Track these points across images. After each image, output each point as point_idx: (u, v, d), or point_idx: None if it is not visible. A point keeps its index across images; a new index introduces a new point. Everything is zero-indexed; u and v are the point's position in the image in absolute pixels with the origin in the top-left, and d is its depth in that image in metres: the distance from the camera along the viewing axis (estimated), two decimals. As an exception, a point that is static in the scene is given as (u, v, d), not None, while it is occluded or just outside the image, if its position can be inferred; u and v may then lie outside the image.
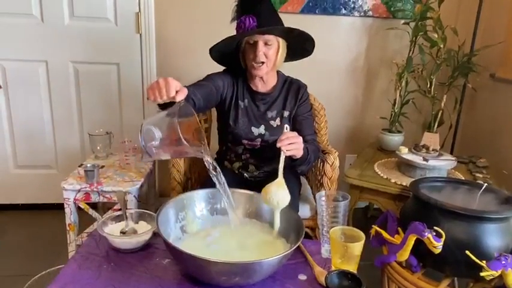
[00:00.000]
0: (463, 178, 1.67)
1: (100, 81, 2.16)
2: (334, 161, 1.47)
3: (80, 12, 2.03)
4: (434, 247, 0.99)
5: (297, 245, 0.91)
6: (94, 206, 1.69)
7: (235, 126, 1.44)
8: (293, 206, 1.18)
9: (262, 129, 1.44)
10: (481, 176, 1.73)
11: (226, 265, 0.83)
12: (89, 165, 1.61)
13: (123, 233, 1.08)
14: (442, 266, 1.10)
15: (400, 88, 2.05)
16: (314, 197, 1.59)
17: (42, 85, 2.13)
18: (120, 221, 1.11)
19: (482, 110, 2.20)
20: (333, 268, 0.96)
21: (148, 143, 0.98)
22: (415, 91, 2.07)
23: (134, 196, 1.58)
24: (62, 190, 1.57)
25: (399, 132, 2.09)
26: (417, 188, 1.21)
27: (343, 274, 0.89)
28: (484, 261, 0.99)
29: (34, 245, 1.96)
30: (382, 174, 1.70)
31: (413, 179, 1.45)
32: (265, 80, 1.45)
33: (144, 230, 1.06)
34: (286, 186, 1.07)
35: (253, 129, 1.44)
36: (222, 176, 1.05)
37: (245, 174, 1.51)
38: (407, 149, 1.73)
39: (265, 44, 1.33)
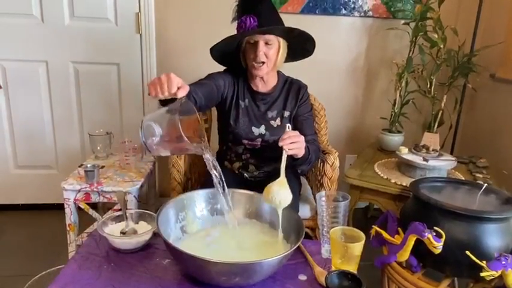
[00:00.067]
0: (463, 178, 1.67)
1: (100, 82, 2.16)
2: (334, 161, 1.47)
3: (80, 13, 2.03)
4: (435, 247, 0.99)
5: (297, 245, 0.91)
6: (94, 206, 1.69)
7: (235, 126, 1.44)
8: (293, 206, 1.17)
9: (262, 129, 1.44)
10: (481, 176, 1.73)
11: (226, 265, 0.83)
12: (89, 165, 1.62)
13: (123, 233, 1.08)
14: (442, 266, 1.10)
15: (400, 88, 2.05)
16: (314, 197, 1.59)
17: (42, 85, 2.13)
18: (120, 221, 1.11)
19: (482, 110, 2.20)
20: (333, 268, 0.96)
21: (148, 139, 0.97)
22: (415, 91, 2.07)
23: (134, 196, 1.58)
24: (62, 190, 1.57)
25: (399, 132, 2.09)
26: (417, 188, 1.21)
27: (343, 274, 0.89)
28: (484, 262, 0.99)
29: (34, 245, 1.95)
30: (382, 175, 1.70)
31: (414, 179, 1.46)
32: (265, 80, 1.45)
33: (144, 230, 1.06)
34: (288, 186, 1.07)
35: (254, 129, 1.44)
36: (220, 170, 1.05)
37: (245, 174, 1.51)
38: (407, 149, 1.73)
39: (266, 43, 1.33)
